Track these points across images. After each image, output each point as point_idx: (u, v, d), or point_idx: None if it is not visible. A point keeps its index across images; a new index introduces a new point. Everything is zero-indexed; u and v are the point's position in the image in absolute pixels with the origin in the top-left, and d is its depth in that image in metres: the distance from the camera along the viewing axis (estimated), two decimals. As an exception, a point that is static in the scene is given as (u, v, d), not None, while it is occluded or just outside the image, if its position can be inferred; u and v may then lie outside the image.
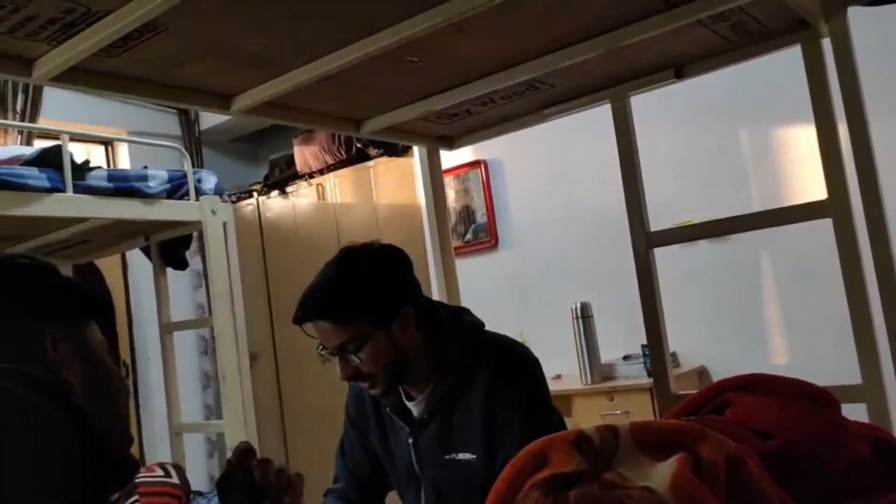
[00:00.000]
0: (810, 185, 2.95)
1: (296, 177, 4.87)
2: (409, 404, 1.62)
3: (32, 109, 4.19)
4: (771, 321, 3.38)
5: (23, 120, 4.08)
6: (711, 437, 0.97)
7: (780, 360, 3.27)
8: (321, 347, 1.53)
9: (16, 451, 0.53)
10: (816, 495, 1.09)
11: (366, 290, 1.50)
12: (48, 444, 0.57)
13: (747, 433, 1.11)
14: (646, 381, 3.14)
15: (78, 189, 2.55)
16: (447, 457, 1.56)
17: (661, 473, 0.92)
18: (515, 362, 1.56)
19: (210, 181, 3.07)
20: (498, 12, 1.34)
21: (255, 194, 5.07)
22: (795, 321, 3.29)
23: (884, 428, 1.30)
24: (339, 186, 4.65)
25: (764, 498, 0.98)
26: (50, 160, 2.54)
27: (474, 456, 1.51)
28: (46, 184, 2.46)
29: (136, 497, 2.98)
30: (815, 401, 1.21)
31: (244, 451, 0.96)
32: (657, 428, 1.00)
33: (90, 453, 0.62)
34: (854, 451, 1.12)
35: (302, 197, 4.84)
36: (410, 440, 1.60)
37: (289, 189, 4.90)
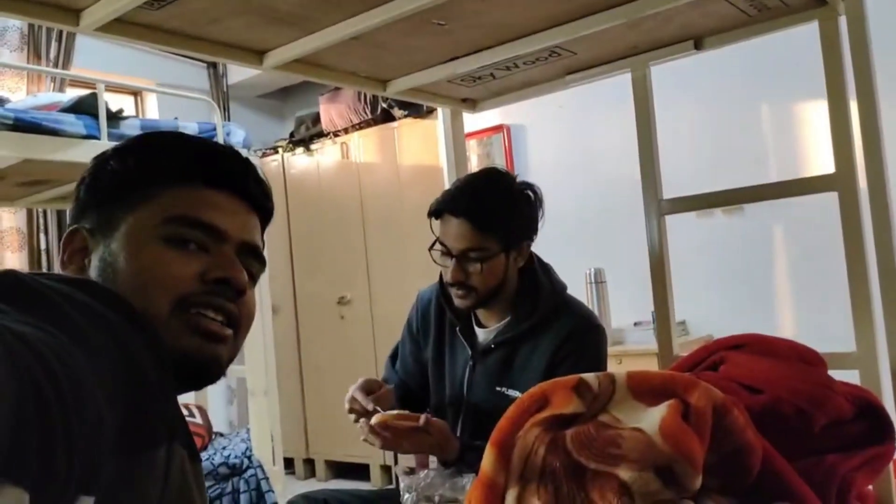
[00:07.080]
0: (829, 161, 2.97)
1: (321, 135, 4.92)
2: (479, 330, 1.74)
3: (65, 58, 4.27)
4: (780, 293, 3.43)
5: (55, 67, 4.16)
6: (701, 387, 1.05)
7: (787, 331, 3.31)
8: (437, 246, 1.63)
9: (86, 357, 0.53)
10: (800, 448, 1.17)
11: (513, 211, 1.63)
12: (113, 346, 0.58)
13: (737, 387, 1.19)
14: (654, 346, 3.18)
15: (112, 137, 2.64)
16: (498, 388, 1.67)
17: (652, 417, 1.00)
18: (593, 331, 1.69)
19: (239, 135, 3.15)
20: (523, -20, 1.39)
21: (280, 150, 5.14)
22: (804, 294, 3.34)
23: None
24: (363, 146, 4.70)
25: (748, 445, 1.06)
26: (85, 108, 2.63)
27: None
28: (83, 130, 2.56)
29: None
30: (806, 361, 1.28)
31: None
32: (651, 377, 1.08)
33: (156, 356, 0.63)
34: (838, 409, 1.19)
35: (326, 155, 4.90)
36: (470, 362, 1.71)
37: (314, 146, 4.96)
